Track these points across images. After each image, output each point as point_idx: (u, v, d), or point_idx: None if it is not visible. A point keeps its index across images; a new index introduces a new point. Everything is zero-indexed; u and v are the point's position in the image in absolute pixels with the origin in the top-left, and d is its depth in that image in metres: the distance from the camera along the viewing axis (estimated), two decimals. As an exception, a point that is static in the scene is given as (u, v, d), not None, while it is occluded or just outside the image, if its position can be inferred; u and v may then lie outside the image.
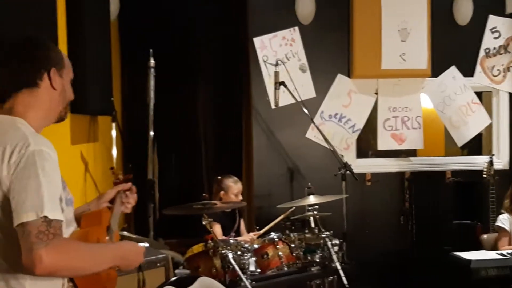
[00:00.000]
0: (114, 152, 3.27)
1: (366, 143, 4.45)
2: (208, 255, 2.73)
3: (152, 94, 2.83)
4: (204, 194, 2.88)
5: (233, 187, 3.60)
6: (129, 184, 1.82)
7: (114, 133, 3.24)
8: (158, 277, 2.26)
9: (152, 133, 2.84)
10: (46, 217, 1.28)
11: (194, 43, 4.47)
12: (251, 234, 3.58)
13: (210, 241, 2.73)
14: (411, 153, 4.41)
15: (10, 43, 1.52)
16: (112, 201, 1.79)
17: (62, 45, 2.53)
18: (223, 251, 2.65)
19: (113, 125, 3.20)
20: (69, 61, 1.59)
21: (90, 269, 1.40)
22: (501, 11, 4.30)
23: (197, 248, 2.79)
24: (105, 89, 3.03)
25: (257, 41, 4.07)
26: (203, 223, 2.70)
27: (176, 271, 2.71)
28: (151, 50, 2.89)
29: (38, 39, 1.54)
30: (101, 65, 2.97)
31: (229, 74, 4.49)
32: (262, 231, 3.53)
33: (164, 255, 2.37)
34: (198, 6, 4.37)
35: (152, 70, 2.87)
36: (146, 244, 2.53)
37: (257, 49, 4.07)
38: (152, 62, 2.88)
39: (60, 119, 1.58)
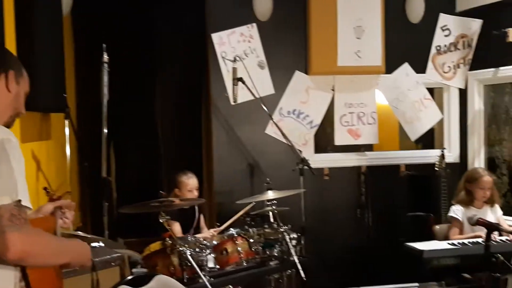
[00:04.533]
0: (68, 150, 3.19)
1: (325, 139, 4.52)
2: (165, 253, 2.72)
3: (105, 90, 2.78)
4: (161, 192, 2.86)
5: (186, 183, 3.57)
6: (68, 202, 1.79)
7: (67, 130, 3.15)
8: (113, 277, 2.24)
9: (106, 130, 2.78)
10: (19, 201, 1.30)
11: (152, 38, 4.41)
12: (211, 230, 3.58)
13: (167, 239, 2.72)
14: (369, 147, 4.51)
15: None
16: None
17: (10, 40, 2.45)
18: (180, 249, 2.64)
19: (66, 122, 3.12)
20: (27, 75, 1.59)
21: (56, 259, 1.44)
22: (451, 10, 4.46)
23: (155, 246, 2.77)
24: (57, 86, 2.96)
25: (215, 37, 4.07)
26: (160, 220, 2.68)
27: (133, 270, 2.68)
28: (104, 45, 2.83)
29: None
30: (53, 61, 2.90)
31: (188, 70, 4.47)
32: (222, 228, 3.54)
33: (118, 254, 2.35)
34: (155, 0, 4.32)
35: (106, 65, 2.81)
36: (102, 244, 2.50)
37: (215, 45, 4.06)
38: (105, 57, 2.82)
39: (4, 125, 1.55)
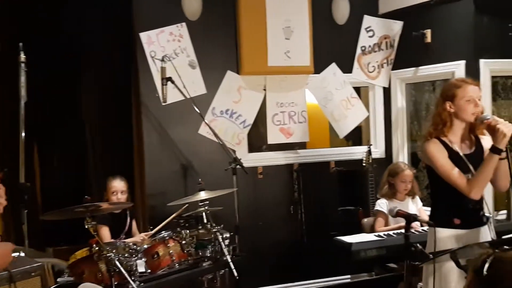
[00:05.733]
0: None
1: (259, 138, 4.56)
2: (92, 259, 2.63)
3: (23, 91, 2.64)
4: (86, 197, 2.76)
5: (109, 186, 3.48)
6: None
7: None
8: (33, 287, 2.13)
9: (23, 134, 2.64)
10: None
11: (77, 37, 4.25)
12: (142, 234, 3.51)
13: (94, 245, 2.63)
14: (303, 145, 4.61)
15: None
16: None
17: None
18: (108, 255, 2.57)
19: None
20: None
21: None
22: (374, 12, 4.65)
23: (81, 253, 2.68)
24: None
25: (144, 36, 3.98)
26: (86, 226, 2.59)
27: (58, 279, 2.57)
28: (21, 44, 2.69)
29: None
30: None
31: (116, 70, 4.35)
32: (154, 231, 3.48)
33: (39, 263, 2.24)
34: (79, -1, 4.17)
35: (23, 65, 2.67)
36: (22, 254, 2.37)
37: (144, 45, 3.98)
38: (22, 57, 2.67)
39: None
